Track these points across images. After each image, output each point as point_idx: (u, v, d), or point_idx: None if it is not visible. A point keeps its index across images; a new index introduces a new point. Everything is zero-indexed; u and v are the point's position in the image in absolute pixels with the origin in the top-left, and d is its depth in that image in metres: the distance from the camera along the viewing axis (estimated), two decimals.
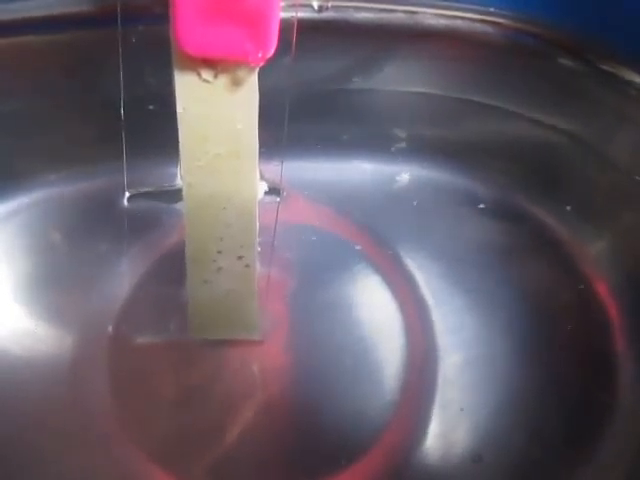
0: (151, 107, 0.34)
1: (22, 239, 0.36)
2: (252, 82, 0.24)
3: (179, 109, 0.25)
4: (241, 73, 0.24)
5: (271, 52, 0.23)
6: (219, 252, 0.29)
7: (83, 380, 0.33)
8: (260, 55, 0.23)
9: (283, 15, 0.25)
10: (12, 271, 0.36)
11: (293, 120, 0.29)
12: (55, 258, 0.36)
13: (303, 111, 0.37)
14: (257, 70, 0.24)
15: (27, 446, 0.31)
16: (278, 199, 0.36)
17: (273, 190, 0.35)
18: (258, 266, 0.31)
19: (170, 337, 0.34)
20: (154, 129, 0.30)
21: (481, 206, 0.40)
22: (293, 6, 0.29)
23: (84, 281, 0.36)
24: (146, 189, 0.38)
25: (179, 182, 0.37)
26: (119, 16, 0.26)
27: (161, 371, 0.34)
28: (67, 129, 0.36)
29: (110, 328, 0.34)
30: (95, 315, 0.35)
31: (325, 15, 0.33)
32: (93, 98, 0.34)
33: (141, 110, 0.34)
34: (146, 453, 0.31)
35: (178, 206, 0.37)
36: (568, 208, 0.40)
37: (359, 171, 0.41)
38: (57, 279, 0.36)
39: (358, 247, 0.39)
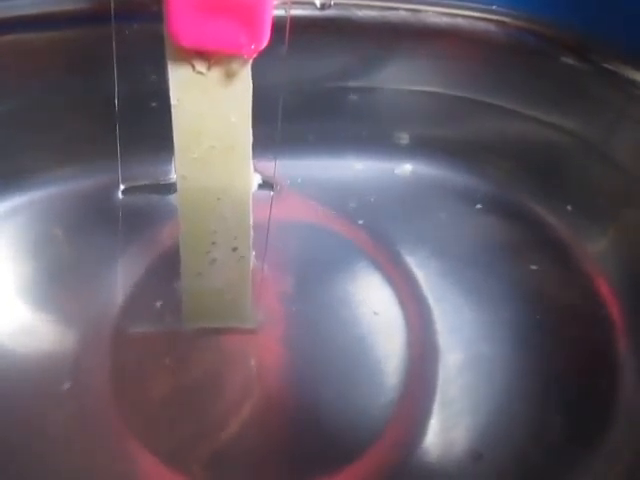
0: (154, 104, 0.35)
1: (23, 237, 0.37)
2: (246, 74, 0.24)
3: (173, 101, 0.25)
4: (235, 65, 0.24)
5: (264, 44, 0.23)
6: (213, 244, 0.29)
7: (84, 377, 0.33)
8: (253, 47, 0.23)
9: (282, 12, 0.25)
10: (12, 269, 0.36)
11: (295, 118, 0.29)
12: (55, 255, 0.36)
13: (305, 109, 0.37)
14: (250, 62, 0.24)
15: (27, 444, 0.31)
16: (272, 192, 0.36)
17: (267, 184, 0.36)
18: (253, 258, 0.31)
19: (166, 328, 0.34)
20: (156, 125, 0.30)
21: (482, 204, 0.40)
22: (289, 2, 0.29)
23: (84, 278, 0.36)
24: (141, 182, 0.38)
25: (174, 175, 0.37)
26: (112, 11, 0.26)
27: (161, 366, 0.33)
28: (67, 126, 0.36)
29: (109, 323, 0.34)
30: (95, 311, 0.35)
31: (327, 12, 0.34)
32: (93, 95, 0.34)
33: (142, 107, 0.34)
34: (145, 448, 0.31)
35: (172, 198, 0.37)
36: (569, 207, 0.39)
37: (361, 168, 0.41)
38: (56, 276, 0.36)
39: (358, 245, 0.39)
